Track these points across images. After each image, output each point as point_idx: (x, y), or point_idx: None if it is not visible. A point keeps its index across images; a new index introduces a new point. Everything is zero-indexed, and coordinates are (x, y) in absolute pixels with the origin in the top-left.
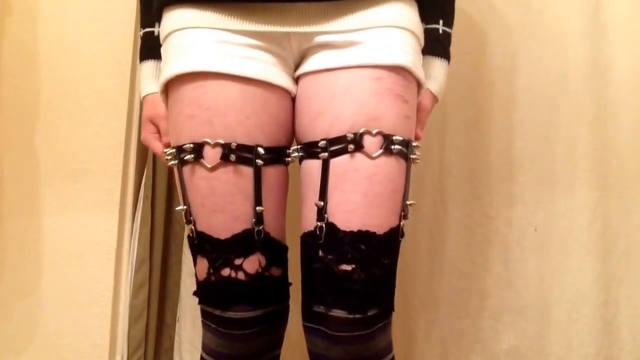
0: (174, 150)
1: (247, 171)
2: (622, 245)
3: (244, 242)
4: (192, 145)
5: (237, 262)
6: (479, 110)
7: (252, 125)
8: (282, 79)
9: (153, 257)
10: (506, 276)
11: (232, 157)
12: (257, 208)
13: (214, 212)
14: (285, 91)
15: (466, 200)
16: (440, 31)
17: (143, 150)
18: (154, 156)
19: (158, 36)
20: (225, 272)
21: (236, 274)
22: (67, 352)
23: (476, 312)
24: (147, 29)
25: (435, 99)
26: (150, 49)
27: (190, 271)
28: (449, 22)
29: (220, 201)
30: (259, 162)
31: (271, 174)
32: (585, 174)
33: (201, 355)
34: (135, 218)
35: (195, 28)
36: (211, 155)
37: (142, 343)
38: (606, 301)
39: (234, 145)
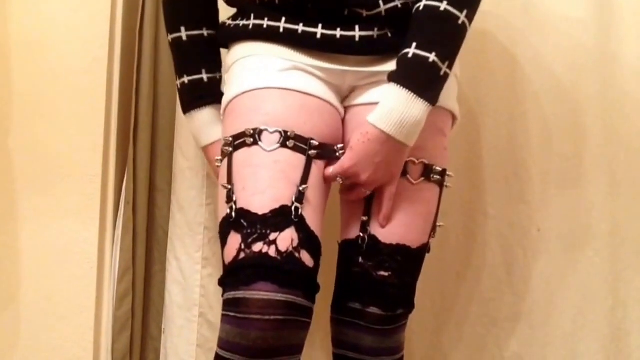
0: (231, 138)
1: (299, 160)
2: (632, 246)
3: (279, 217)
4: (252, 131)
5: (272, 237)
6: (477, 102)
7: (307, 129)
8: (335, 101)
9: (136, 265)
10: (507, 280)
11: (290, 143)
12: (301, 187)
13: (254, 195)
14: (337, 110)
15: (464, 199)
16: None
17: (123, 152)
18: (134, 159)
19: (209, 82)
20: (258, 247)
21: (268, 248)
22: None
23: (476, 318)
24: (194, 77)
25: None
26: (202, 97)
27: (174, 279)
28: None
29: (262, 185)
30: (312, 152)
31: (320, 167)
32: (591, 170)
33: (216, 353)
34: (117, 225)
35: (265, 55)
36: (270, 140)
37: (127, 356)
38: (614, 305)
39: (291, 134)
